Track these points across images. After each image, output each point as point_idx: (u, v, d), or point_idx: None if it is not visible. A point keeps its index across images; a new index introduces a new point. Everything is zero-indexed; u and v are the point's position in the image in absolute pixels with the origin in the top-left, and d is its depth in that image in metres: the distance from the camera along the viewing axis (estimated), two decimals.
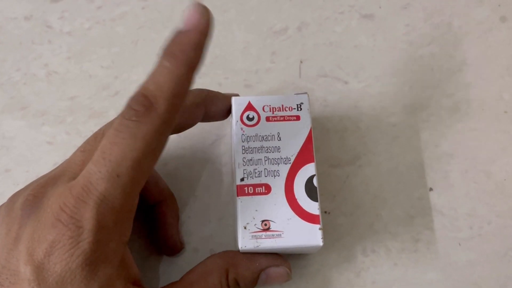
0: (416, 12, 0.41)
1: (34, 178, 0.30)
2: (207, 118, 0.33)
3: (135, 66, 0.40)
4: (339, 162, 0.37)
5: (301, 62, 0.40)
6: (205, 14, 0.25)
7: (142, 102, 0.24)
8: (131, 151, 0.24)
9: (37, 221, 0.24)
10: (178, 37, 0.25)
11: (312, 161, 0.30)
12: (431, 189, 0.37)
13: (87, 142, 0.28)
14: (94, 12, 0.41)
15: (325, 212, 0.36)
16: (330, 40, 0.41)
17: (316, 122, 0.38)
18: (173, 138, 0.37)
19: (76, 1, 0.41)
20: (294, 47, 0.40)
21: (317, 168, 0.36)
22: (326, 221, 0.36)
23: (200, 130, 0.37)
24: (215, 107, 0.33)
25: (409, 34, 0.41)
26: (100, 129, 0.29)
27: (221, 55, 0.40)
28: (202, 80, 0.39)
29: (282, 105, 0.32)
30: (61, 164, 0.28)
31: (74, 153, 0.28)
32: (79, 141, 0.36)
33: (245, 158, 0.30)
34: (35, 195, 0.25)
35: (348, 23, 0.41)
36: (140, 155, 0.24)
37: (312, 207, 0.29)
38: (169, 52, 0.25)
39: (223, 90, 0.35)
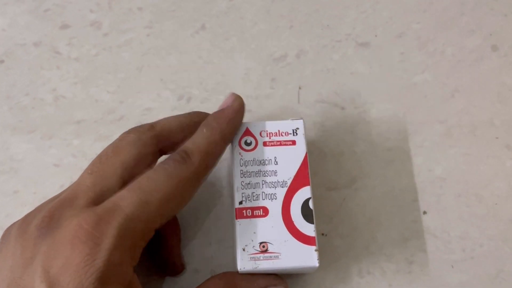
0: (411, 41, 0.42)
1: (42, 200, 0.30)
2: None
3: (140, 91, 0.40)
4: (336, 185, 0.38)
5: (299, 88, 0.41)
6: (238, 99, 0.32)
7: (181, 154, 0.28)
8: (164, 186, 0.27)
9: (53, 240, 0.25)
10: (216, 113, 0.31)
11: (307, 184, 0.31)
12: (425, 212, 0.37)
13: (93, 164, 0.29)
14: (101, 39, 0.42)
15: (322, 234, 0.37)
16: (328, 67, 0.41)
17: (314, 146, 0.39)
18: None
19: (84, 28, 0.43)
20: (293, 74, 0.41)
21: (315, 191, 0.37)
22: (323, 242, 0.36)
23: None
24: None
25: (403, 61, 0.42)
26: (103, 151, 0.29)
27: (223, 81, 0.41)
28: (204, 105, 0.40)
29: (279, 130, 0.32)
30: (70, 186, 0.29)
31: (82, 176, 0.29)
32: (85, 164, 0.37)
33: (243, 182, 0.31)
34: (51, 216, 0.26)
35: (345, 51, 0.42)
36: (170, 192, 0.27)
37: (308, 229, 0.30)
38: (207, 123, 0.30)
39: None
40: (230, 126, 0.31)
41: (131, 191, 0.26)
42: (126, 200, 0.26)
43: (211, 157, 0.30)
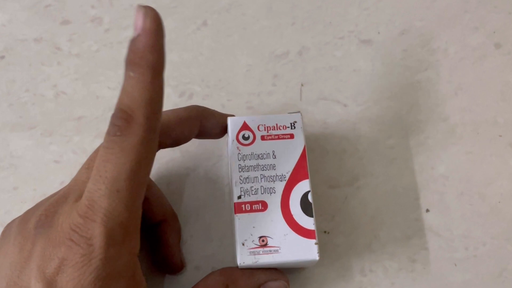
0: (414, 38, 0.42)
1: (41, 196, 0.30)
2: (202, 134, 0.34)
3: None
4: (338, 183, 0.38)
5: (302, 85, 0.41)
6: (150, 14, 0.24)
7: (121, 116, 0.25)
8: (124, 164, 0.24)
9: (47, 239, 0.25)
10: (133, 44, 0.25)
11: (306, 177, 0.31)
12: (427, 211, 0.37)
13: (90, 159, 0.29)
14: (102, 34, 0.42)
15: (325, 232, 0.37)
16: (330, 64, 0.41)
17: (316, 143, 0.39)
18: (176, 158, 0.38)
19: (85, 24, 0.42)
20: (295, 71, 0.41)
21: (317, 188, 0.37)
22: (325, 240, 0.36)
23: (203, 151, 0.38)
24: (210, 123, 0.33)
25: (406, 59, 0.41)
26: (100, 145, 0.29)
27: (225, 78, 0.41)
28: (206, 102, 0.40)
29: (276, 124, 0.32)
30: (69, 183, 0.29)
31: (80, 171, 0.29)
32: (85, 160, 0.37)
33: (241, 176, 0.31)
34: (47, 214, 0.26)
35: (348, 48, 0.42)
36: (133, 166, 0.25)
37: (308, 223, 0.30)
38: (130, 61, 0.25)
39: (226, 111, 0.36)
40: (157, 54, 0.25)
41: (97, 182, 0.25)
42: (97, 193, 0.24)
43: (154, 103, 0.25)
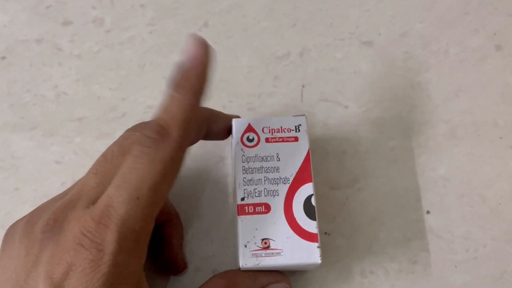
0: (414, 40, 0.42)
1: (42, 197, 0.30)
2: (209, 136, 0.34)
3: (142, 88, 0.40)
4: (339, 185, 0.38)
5: (303, 86, 0.41)
6: (203, 45, 0.27)
7: (157, 130, 0.26)
8: (150, 174, 0.25)
9: (56, 245, 0.24)
10: (182, 69, 0.27)
11: (310, 181, 0.31)
12: (428, 212, 0.37)
13: (97, 164, 0.28)
14: (103, 35, 0.42)
15: (325, 233, 0.37)
16: (331, 66, 0.41)
17: (317, 145, 0.39)
18: None
19: (86, 25, 0.42)
20: (296, 72, 0.41)
21: (318, 190, 0.37)
22: (326, 242, 0.36)
23: (205, 151, 0.38)
24: (217, 125, 0.33)
25: (407, 61, 0.41)
26: (108, 149, 0.29)
27: (225, 79, 0.41)
28: (207, 103, 0.39)
29: (281, 127, 0.32)
30: (76, 186, 0.28)
31: (87, 175, 0.28)
32: (86, 161, 0.37)
33: (245, 178, 0.31)
34: (56, 219, 0.25)
35: (349, 49, 0.42)
36: (158, 178, 0.26)
37: (311, 226, 0.30)
38: (176, 83, 0.27)
39: (227, 112, 0.36)
40: (202, 81, 0.28)
41: (119, 188, 0.25)
42: (117, 199, 0.25)
43: (190, 123, 0.27)
